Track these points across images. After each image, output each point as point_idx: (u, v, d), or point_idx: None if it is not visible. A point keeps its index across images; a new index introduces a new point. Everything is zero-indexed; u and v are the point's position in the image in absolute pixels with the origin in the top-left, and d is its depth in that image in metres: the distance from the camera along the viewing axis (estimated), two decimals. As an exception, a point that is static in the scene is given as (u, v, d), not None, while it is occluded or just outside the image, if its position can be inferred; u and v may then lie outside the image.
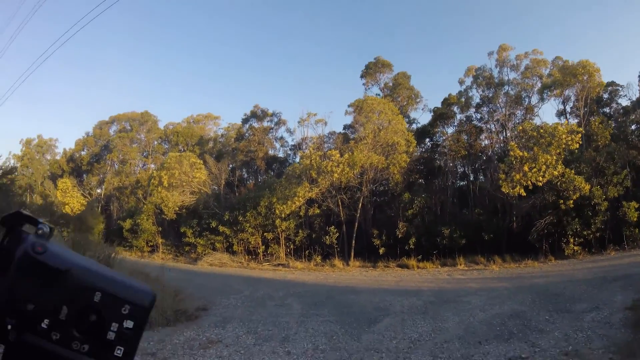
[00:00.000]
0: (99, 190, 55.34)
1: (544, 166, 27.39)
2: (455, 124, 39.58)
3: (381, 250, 31.01)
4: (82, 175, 56.69)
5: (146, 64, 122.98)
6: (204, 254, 34.73)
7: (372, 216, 35.71)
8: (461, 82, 40.88)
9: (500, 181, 28.40)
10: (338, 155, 30.39)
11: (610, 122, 33.38)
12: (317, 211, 33.44)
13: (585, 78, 34.98)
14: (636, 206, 26.55)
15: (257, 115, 48.36)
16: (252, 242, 34.32)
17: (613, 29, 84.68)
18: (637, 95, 38.57)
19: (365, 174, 32.28)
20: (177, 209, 37.84)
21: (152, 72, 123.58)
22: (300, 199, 30.54)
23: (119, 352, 1.08)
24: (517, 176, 27.60)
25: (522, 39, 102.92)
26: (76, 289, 1.07)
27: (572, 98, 38.32)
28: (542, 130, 29.11)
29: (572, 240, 26.83)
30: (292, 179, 31.81)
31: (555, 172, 27.41)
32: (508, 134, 37.92)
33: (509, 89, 38.62)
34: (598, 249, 27.06)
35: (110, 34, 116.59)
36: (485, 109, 39.42)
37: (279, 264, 31.97)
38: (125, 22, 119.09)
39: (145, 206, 40.62)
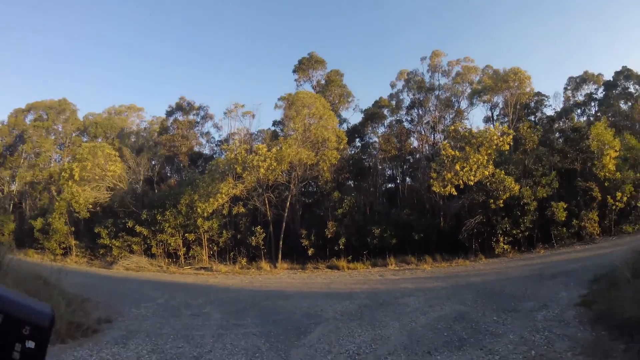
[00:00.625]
0: (12, 187, 49.12)
1: (475, 166, 27.01)
2: (386, 125, 38.86)
3: (310, 251, 29.24)
4: (-7, 169, 50.11)
5: (67, 47, 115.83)
6: (120, 257, 31.24)
7: (300, 216, 33.89)
8: (393, 85, 40.78)
9: (432, 180, 27.65)
10: (265, 149, 28.23)
11: (538, 127, 33.49)
12: (243, 210, 31.05)
13: (515, 84, 35.25)
14: (564, 206, 26.60)
15: (182, 108, 45.21)
16: (172, 244, 31.41)
17: (539, 41, 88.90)
18: (562, 105, 39.90)
19: (294, 170, 30.27)
20: (91, 206, 34.17)
21: (73, 58, 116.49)
22: (224, 196, 28.07)
23: None
24: (449, 175, 26.99)
25: (454, 48, 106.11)
26: None
27: (501, 104, 38.79)
28: (474, 132, 28.70)
29: (501, 239, 26.56)
30: (215, 175, 29.29)
31: (486, 172, 27.11)
32: (438, 136, 37.61)
33: (440, 93, 38.63)
34: (527, 248, 26.95)
35: (27, 13, 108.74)
36: (415, 111, 38.94)
37: (201, 268, 29.34)
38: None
39: (57, 203, 36.26)
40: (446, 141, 29.75)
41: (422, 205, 33.25)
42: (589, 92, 42.11)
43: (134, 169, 36.61)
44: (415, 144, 38.19)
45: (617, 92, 41.52)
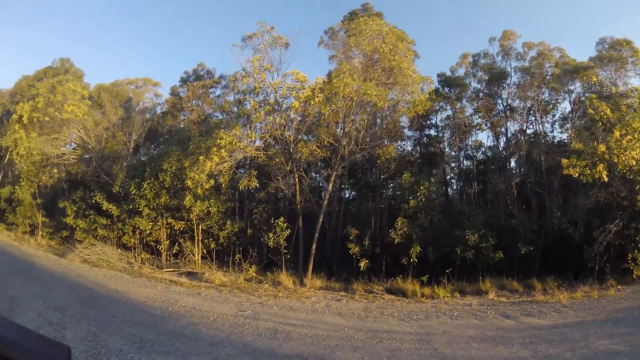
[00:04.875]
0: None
1: (637, 135, 15.09)
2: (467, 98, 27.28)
3: (363, 264, 17.19)
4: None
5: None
6: (84, 243, 19.57)
7: (344, 209, 21.73)
8: (453, 70, 28.88)
9: (572, 159, 15.52)
10: (304, 76, 16.13)
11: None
12: (255, 184, 17.82)
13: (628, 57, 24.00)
14: None
15: (199, 75, 33.98)
16: (151, 233, 19.65)
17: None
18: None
19: (347, 119, 17.71)
20: (56, 172, 23.62)
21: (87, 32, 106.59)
22: (223, 152, 15.54)
23: None
24: (601, 148, 14.90)
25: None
26: None
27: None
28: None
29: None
30: (215, 126, 17.42)
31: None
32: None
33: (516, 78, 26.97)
34: None
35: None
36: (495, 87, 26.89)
37: (188, 273, 17.50)
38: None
39: (25, 167, 25.23)
40: (590, 96, 17.59)
41: (523, 202, 22.78)
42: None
43: (115, 122, 25.10)
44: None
45: None
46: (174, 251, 19.20)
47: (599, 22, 76.23)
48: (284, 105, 16.27)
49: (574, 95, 25.12)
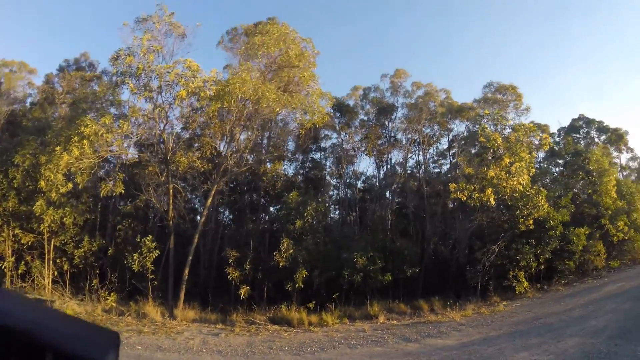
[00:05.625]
0: None
1: (524, 163, 17.08)
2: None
3: (243, 291, 15.38)
4: None
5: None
6: None
7: (222, 230, 19.74)
8: (343, 101, 28.13)
9: (461, 184, 16.51)
10: (197, 66, 14.02)
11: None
12: (121, 189, 14.98)
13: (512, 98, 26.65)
14: (587, 232, 18.48)
15: (80, 67, 28.80)
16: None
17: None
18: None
19: (236, 127, 15.84)
20: None
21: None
22: (85, 144, 12.76)
23: None
24: (491, 173, 16.30)
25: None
26: (23, 349, 0.86)
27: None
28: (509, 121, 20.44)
29: (520, 274, 16.95)
30: (82, 113, 14.48)
31: (527, 179, 17.22)
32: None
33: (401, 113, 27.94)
34: (542, 284, 17.99)
35: None
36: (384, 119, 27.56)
37: (36, 300, 13.93)
38: None
39: None
40: (485, 123, 18.72)
41: (403, 227, 22.60)
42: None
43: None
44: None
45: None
46: (21, 271, 15.47)
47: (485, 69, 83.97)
48: (169, 95, 14.06)
49: (453, 133, 26.66)
